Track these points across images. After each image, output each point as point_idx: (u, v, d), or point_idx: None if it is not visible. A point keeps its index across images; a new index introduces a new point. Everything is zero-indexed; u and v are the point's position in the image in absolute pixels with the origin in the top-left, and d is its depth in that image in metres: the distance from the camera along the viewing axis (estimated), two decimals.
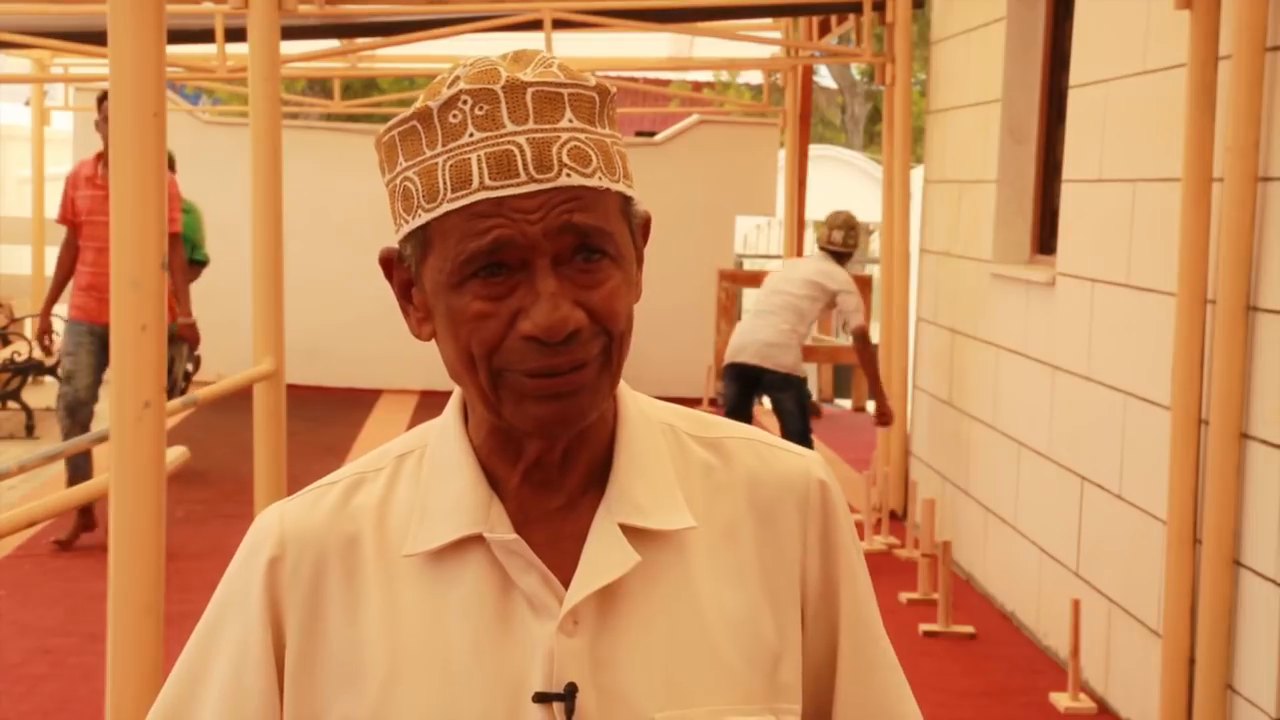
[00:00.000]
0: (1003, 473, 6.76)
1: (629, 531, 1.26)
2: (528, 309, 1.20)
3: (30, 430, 10.38)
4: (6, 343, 11.59)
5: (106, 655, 2.66)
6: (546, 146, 1.19)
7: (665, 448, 1.31)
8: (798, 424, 7.45)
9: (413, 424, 1.40)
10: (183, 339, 7.75)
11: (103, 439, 2.99)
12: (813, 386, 13.98)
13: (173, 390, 7.52)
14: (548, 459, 1.27)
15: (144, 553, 2.62)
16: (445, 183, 1.20)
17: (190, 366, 7.87)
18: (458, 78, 1.22)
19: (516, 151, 1.19)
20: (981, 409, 7.15)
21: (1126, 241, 5.37)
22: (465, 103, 1.20)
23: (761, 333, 7.49)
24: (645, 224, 1.30)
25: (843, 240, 7.74)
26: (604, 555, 1.25)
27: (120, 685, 2.63)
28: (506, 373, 1.21)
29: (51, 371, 11.31)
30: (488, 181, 1.19)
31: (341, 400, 12.08)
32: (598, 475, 1.29)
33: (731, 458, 1.33)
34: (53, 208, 13.72)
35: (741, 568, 1.30)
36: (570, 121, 1.21)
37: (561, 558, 1.25)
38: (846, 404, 13.38)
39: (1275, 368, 4.27)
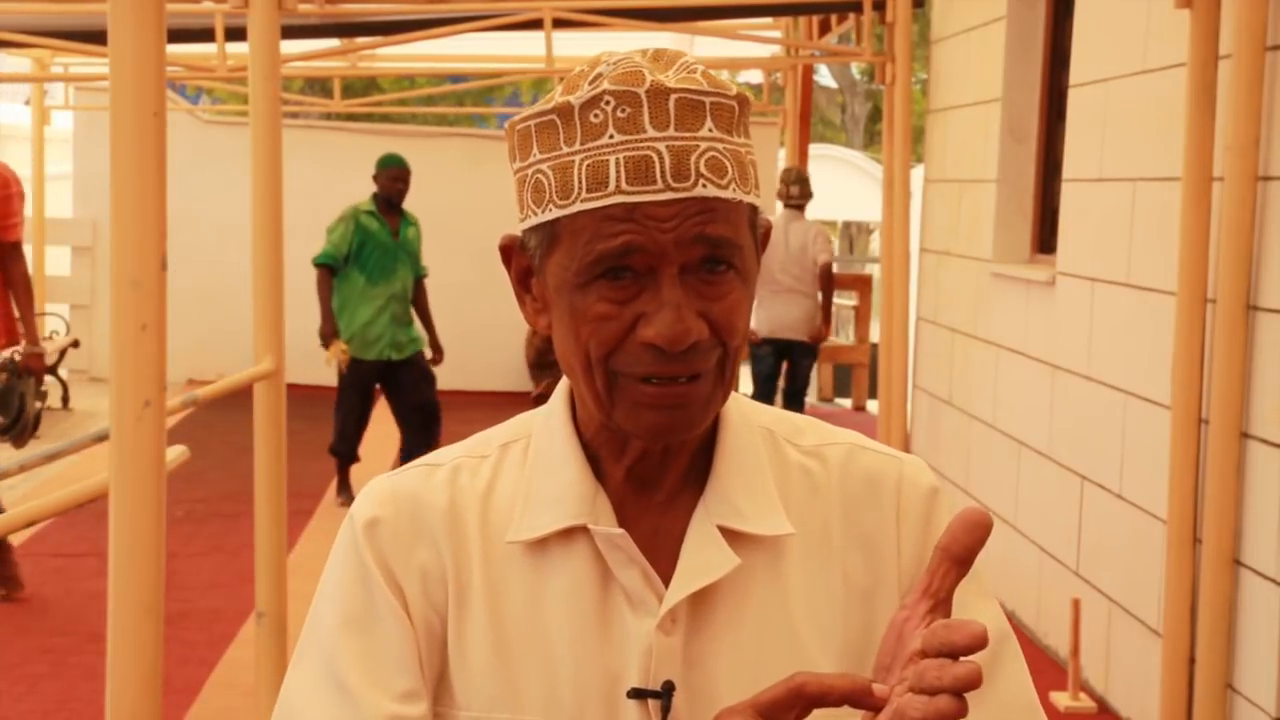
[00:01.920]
0: (1003, 472, 6.76)
1: (727, 533, 1.26)
2: (650, 316, 1.20)
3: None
4: None
5: (106, 655, 2.66)
6: (685, 155, 1.19)
7: (764, 452, 1.32)
8: (807, 377, 9.45)
9: None
10: (28, 370, 6.25)
11: (102, 438, 2.99)
12: (813, 385, 13.99)
13: (24, 432, 6.24)
14: (650, 455, 1.28)
15: (144, 552, 2.62)
16: (581, 182, 1.20)
17: (40, 403, 6.41)
18: (600, 75, 1.21)
19: (655, 158, 1.19)
20: (981, 408, 7.16)
21: (1126, 241, 5.37)
22: (608, 103, 1.20)
23: (795, 310, 9.10)
24: (766, 233, 1.30)
25: (800, 193, 9.23)
26: (703, 556, 1.25)
27: (120, 685, 2.63)
28: (622, 377, 1.22)
29: (52, 371, 11.33)
30: (624, 186, 1.18)
31: None
32: (697, 474, 1.30)
33: (829, 463, 1.33)
34: (53, 207, 13.81)
35: (833, 573, 1.29)
36: (710, 130, 1.21)
37: (658, 555, 1.26)
38: (846, 403, 13.39)
39: (1275, 367, 4.27)
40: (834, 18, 10.40)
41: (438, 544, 1.28)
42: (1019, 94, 6.99)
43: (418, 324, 8.42)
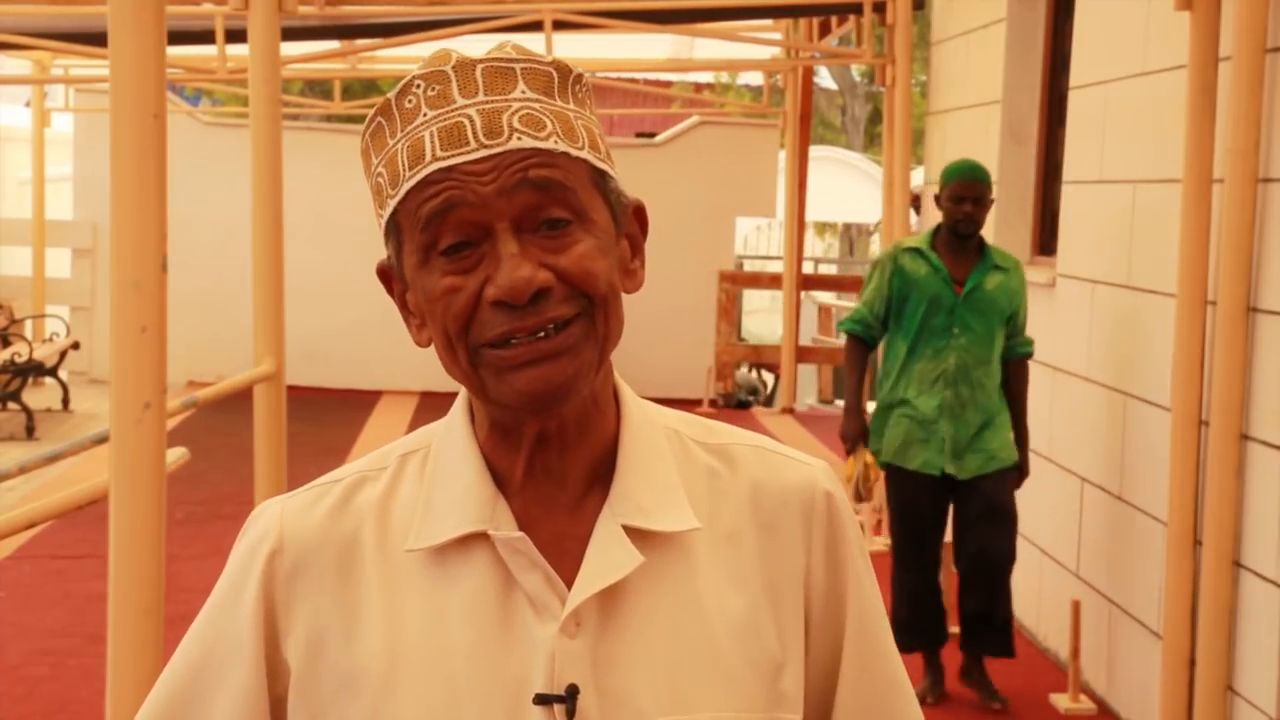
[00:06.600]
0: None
1: (632, 533, 1.24)
2: (493, 276, 1.19)
3: (30, 432, 10.39)
4: (7, 344, 11.59)
5: (107, 657, 2.66)
6: (497, 115, 1.20)
7: (669, 451, 1.29)
8: None
9: (413, 425, 1.39)
10: None
11: (103, 440, 2.99)
12: (812, 387, 13.98)
13: None
14: (547, 442, 1.25)
15: (144, 554, 2.62)
16: (404, 164, 1.21)
17: None
18: (414, 71, 1.24)
19: (466, 122, 1.19)
20: None
21: (1127, 243, 5.37)
22: (418, 87, 1.22)
23: None
24: (638, 210, 1.28)
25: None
26: (607, 556, 1.23)
27: (120, 687, 2.63)
28: (484, 349, 1.20)
29: (53, 373, 11.34)
30: (439, 153, 1.19)
31: (342, 401, 12.07)
32: (601, 477, 1.27)
33: (736, 464, 1.31)
34: (54, 210, 13.81)
35: (744, 573, 1.27)
36: (523, 92, 1.21)
37: (564, 558, 1.23)
38: None
39: (1275, 369, 4.27)
40: (834, 20, 10.41)
41: (331, 577, 1.26)
42: (1019, 96, 6.99)
43: (1004, 429, 5.32)
